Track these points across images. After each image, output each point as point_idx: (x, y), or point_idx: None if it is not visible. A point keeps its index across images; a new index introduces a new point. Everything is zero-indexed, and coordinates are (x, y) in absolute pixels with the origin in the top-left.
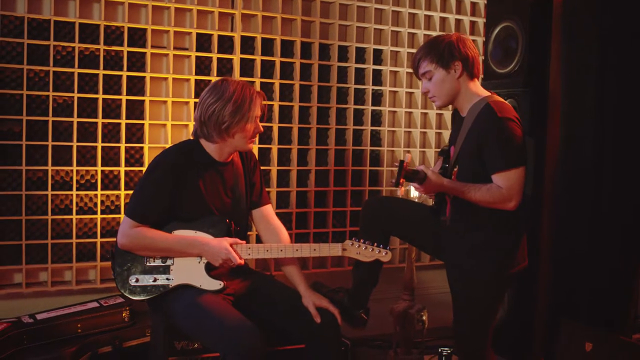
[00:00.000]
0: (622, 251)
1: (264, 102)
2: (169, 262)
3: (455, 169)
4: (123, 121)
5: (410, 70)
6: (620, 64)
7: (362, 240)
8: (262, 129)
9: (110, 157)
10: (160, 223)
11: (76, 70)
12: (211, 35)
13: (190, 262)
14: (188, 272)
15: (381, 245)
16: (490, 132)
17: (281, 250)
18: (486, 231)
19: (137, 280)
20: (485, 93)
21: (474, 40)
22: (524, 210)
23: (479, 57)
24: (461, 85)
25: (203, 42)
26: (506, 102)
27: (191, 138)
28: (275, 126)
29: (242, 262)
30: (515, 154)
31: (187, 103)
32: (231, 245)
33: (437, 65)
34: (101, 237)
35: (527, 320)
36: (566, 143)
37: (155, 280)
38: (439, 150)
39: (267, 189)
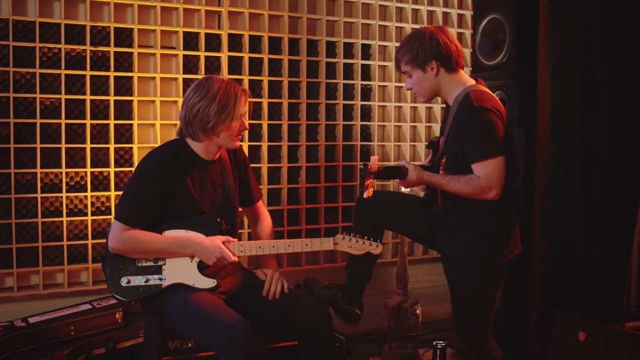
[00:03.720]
0: (615, 241)
1: (250, 99)
2: (160, 262)
3: (444, 160)
4: (111, 122)
5: None
6: (609, 55)
7: (352, 234)
8: (247, 126)
9: (100, 158)
10: (150, 224)
11: (63, 72)
12: (198, 33)
13: (182, 261)
14: (180, 271)
15: (372, 238)
16: (467, 122)
17: (273, 247)
18: (479, 221)
19: (128, 282)
20: (469, 82)
21: (461, 33)
22: (515, 199)
23: (458, 48)
24: (441, 81)
25: (190, 40)
26: (488, 91)
27: (177, 138)
28: (265, 123)
29: (236, 259)
30: (492, 144)
31: (175, 102)
32: (224, 243)
33: (413, 66)
34: (92, 238)
35: (521, 312)
36: (556, 134)
37: (147, 280)
38: (427, 143)
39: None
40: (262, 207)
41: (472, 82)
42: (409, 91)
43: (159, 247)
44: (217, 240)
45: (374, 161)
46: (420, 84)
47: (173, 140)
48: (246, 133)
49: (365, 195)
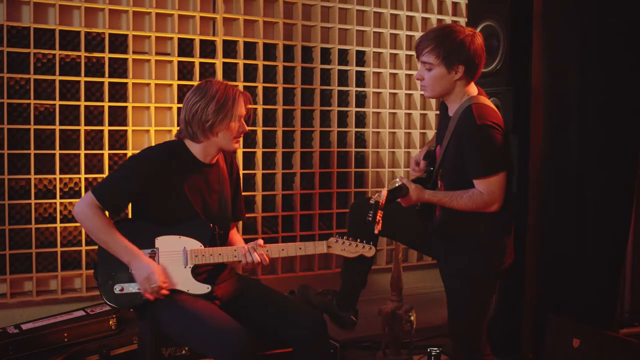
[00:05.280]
0: (609, 248)
1: (250, 106)
2: None
3: (441, 170)
4: (106, 128)
5: (394, 70)
6: (603, 61)
7: (345, 237)
8: (247, 128)
9: (94, 165)
10: (120, 211)
11: (57, 78)
12: (193, 39)
13: (176, 267)
14: (174, 277)
15: (364, 241)
16: (469, 139)
17: (267, 251)
18: (477, 231)
19: (122, 289)
20: (473, 92)
21: None
22: (512, 209)
23: (484, 58)
24: (456, 86)
25: (185, 46)
26: (488, 103)
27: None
28: (260, 129)
29: (166, 286)
30: (494, 162)
31: (170, 108)
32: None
33: (440, 62)
34: (86, 245)
35: (515, 318)
36: (550, 141)
37: None
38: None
39: (252, 193)
40: (236, 231)
41: (476, 91)
42: (405, 97)
43: (107, 239)
44: (154, 266)
45: (384, 196)
46: (437, 81)
47: (172, 140)
48: (240, 139)
49: (376, 230)
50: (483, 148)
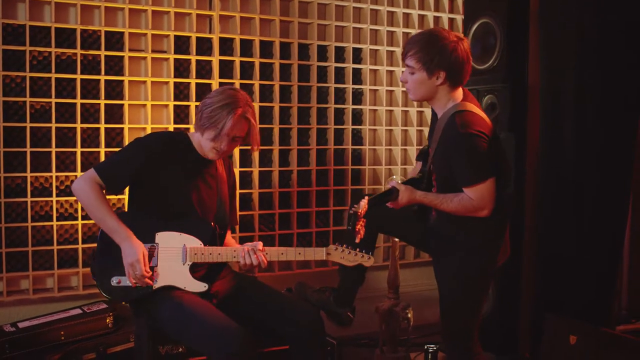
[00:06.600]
0: (606, 246)
1: (247, 144)
2: (152, 263)
3: (435, 173)
4: (102, 125)
5: (390, 68)
6: (601, 59)
7: (345, 245)
8: (230, 152)
9: (90, 162)
10: (118, 190)
11: (53, 75)
12: (189, 37)
13: (174, 263)
14: (172, 273)
15: (364, 250)
16: (454, 148)
17: (266, 254)
18: (472, 231)
19: (119, 282)
20: (459, 97)
21: None
22: (505, 212)
23: (470, 65)
24: (439, 91)
25: (181, 44)
26: (473, 109)
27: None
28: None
29: (147, 274)
30: (480, 169)
31: (166, 106)
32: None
33: (421, 66)
34: (82, 243)
35: (512, 317)
36: (547, 139)
37: None
38: (418, 151)
39: (249, 191)
40: (230, 235)
41: (461, 96)
42: (403, 94)
43: (102, 217)
44: (141, 249)
45: (364, 206)
46: (418, 85)
47: (177, 131)
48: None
49: (357, 239)
50: (468, 157)
